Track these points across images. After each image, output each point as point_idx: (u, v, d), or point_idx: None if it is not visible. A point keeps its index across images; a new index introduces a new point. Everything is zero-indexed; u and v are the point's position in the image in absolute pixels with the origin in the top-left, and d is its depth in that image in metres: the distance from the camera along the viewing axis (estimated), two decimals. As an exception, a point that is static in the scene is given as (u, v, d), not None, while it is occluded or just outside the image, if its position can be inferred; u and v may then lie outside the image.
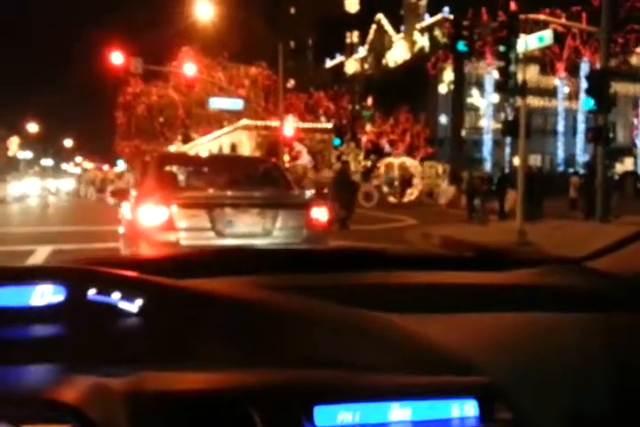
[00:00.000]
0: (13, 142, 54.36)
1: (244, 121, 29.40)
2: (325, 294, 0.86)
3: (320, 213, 4.62)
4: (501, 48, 9.45)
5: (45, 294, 0.77)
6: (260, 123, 29.33)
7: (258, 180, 5.61)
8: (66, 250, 7.72)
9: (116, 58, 21.58)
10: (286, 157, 24.05)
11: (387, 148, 29.81)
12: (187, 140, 39.40)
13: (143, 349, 0.73)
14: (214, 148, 32.53)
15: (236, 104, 26.86)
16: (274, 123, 26.91)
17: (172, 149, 39.11)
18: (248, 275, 0.99)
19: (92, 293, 0.77)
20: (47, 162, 72.62)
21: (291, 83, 33.55)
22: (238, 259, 1.18)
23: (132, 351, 0.72)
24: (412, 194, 21.49)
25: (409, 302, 0.87)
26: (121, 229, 5.66)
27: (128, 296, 0.78)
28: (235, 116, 32.05)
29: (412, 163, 23.39)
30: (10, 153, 54.41)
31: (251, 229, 4.34)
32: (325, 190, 16.03)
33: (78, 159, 77.17)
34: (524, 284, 1.02)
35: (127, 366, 0.66)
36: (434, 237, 9.29)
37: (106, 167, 49.27)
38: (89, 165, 60.57)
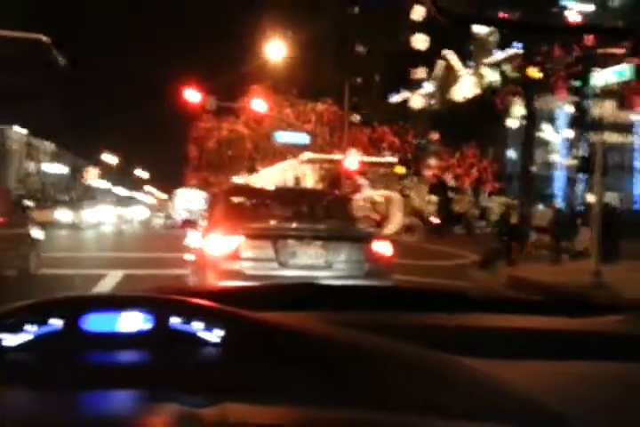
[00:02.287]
0: (91, 172, 58.75)
1: (308, 154, 30.15)
2: (401, 334, 0.85)
3: (383, 248, 4.68)
4: (577, 83, 9.23)
5: (134, 322, 0.80)
6: (323, 156, 29.94)
7: (322, 212, 5.77)
8: (136, 275, 8.04)
9: (193, 95, 23.04)
10: (348, 191, 24.20)
11: (451, 182, 29.42)
12: (252, 172, 40.83)
13: (223, 379, 0.74)
14: (278, 180, 33.43)
15: (303, 139, 27.76)
16: (337, 156, 27.33)
17: (237, 180, 40.56)
18: (322, 311, 1.01)
19: (176, 322, 0.79)
20: (121, 191, 77.50)
21: (356, 118, 34.25)
22: (312, 294, 1.19)
23: (212, 381, 0.73)
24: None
25: (491, 347, 0.85)
26: (187, 257, 5.91)
27: (209, 326, 0.79)
28: (300, 149, 33.02)
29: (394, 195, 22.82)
30: (88, 182, 58.71)
31: (313, 261, 4.43)
32: None
33: (151, 189, 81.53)
34: (603, 331, 1.00)
35: (209, 396, 0.67)
36: (501, 276, 8.99)
37: None
38: (161, 195, 63.85)
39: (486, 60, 32.75)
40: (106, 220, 29.60)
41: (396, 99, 40.37)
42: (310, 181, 29.13)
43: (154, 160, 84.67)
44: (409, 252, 13.47)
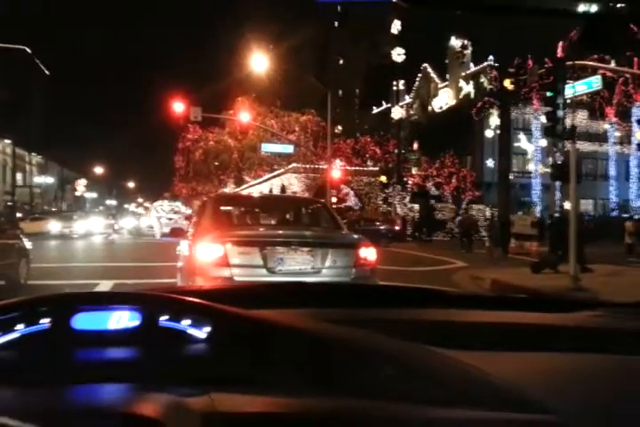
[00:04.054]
0: (81, 183, 58.02)
1: (294, 164, 30.20)
2: (385, 328, 0.86)
3: (368, 253, 4.64)
4: (548, 94, 9.34)
5: (122, 319, 0.80)
6: (308, 166, 30.02)
7: (308, 219, 5.72)
8: (127, 285, 7.97)
9: (178, 107, 22.84)
10: (334, 199, 24.29)
11: (433, 190, 29.63)
12: (239, 182, 40.68)
13: (210, 373, 0.74)
14: (265, 189, 33.41)
15: (287, 149, 27.78)
16: (322, 166, 27.68)
17: (226, 190, 40.38)
18: (308, 308, 1.01)
19: (163, 318, 0.79)
20: (111, 202, 76.58)
21: (338, 128, 34.39)
22: (298, 292, 1.20)
23: (199, 375, 0.73)
24: None
25: (469, 340, 0.86)
26: (178, 265, 5.81)
27: (197, 323, 0.80)
28: (285, 159, 33.05)
29: None
30: (77, 193, 57.94)
31: (301, 267, 4.39)
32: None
33: (140, 200, 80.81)
34: (584, 325, 1.01)
35: (197, 388, 0.67)
36: (484, 281, 8.98)
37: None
38: (148, 205, 63.20)
39: (462, 73, 33.15)
40: (96, 230, 29.14)
41: (376, 110, 40.69)
42: (297, 190, 29.24)
43: (142, 171, 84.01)
44: (395, 258, 13.45)
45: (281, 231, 4.79)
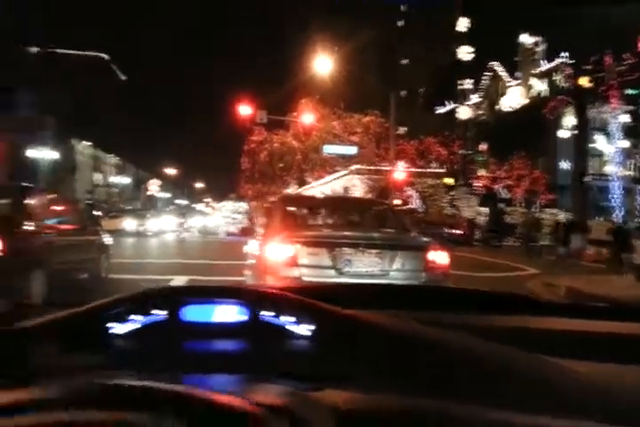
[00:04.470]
0: (154, 183, 60.89)
1: (356, 166, 30.05)
2: (479, 334, 0.85)
3: (439, 257, 4.50)
4: (631, 91, 8.54)
5: (229, 313, 0.82)
6: (371, 167, 29.78)
7: (375, 221, 5.65)
8: (199, 281, 8.15)
9: (245, 110, 23.36)
10: (397, 201, 23.97)
11: (502, 193, 28.43)
12: (302, 183, 41.06)
13: (313, 369, 0.75)
14: (327, 191, 33.49)
15: (350, 150, 27.71)
16: (385, 168, 27.40)
17: (288, 191, 40.91)
18: (397, 310, 1.01)
19: (268, 314, 0.81)
20: (181, 201, 79.90)
21: (402, 129, 33.88)
22: (385, 294, 1.20)
23: (302, 370, 0.75)
24: None
25: (556, 348, 0.84)
26: (247, 263, 5.91)
27: (302, 320, 0.81)
28: (348, 161, 32.98)
29: None
30: (150, 193, 60.85)
31: (369, 269, 4.35)
32: None
33: (207, 200, 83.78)
34: None
35: (300, 382, 0.69)
36: (558, 288, 8.48)
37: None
38: (215, 205, 65.39)
39: (534, 71, 31.61)
40: (167, 228, 30.29)
41: (441, 110, 39.65)
42: (359, 191, 29.14)
43: (210, 172, 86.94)
44: (461, 263, 12.96)
45: (349, 233, 4.76)
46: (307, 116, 28.57)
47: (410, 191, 28.65)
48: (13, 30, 29.71)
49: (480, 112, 35.41)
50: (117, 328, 0.81)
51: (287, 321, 0.81)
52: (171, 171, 71.39)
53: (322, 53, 23.53)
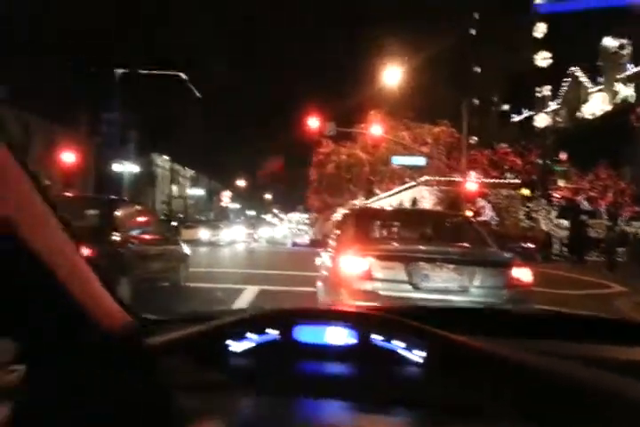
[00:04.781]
0: (225, 195, 63.26)
1: (426, 177, 29.50)
2: (605, 366, 0.80)
3: (522, 274, 4.29)
4: None
5: (338, 335, 0.83)
6: (441, 178, 29.13)
7: (452, 235, 5.51)
8: (270, 291, 8.32)
9: (313, 123, 23.72)
10: (468, 213, 23.22)
11: (584, 205, 26.73)
12: (369, 194, 40.93)
13: (423, 397, 0.73)
14: (395, 202, 33.13)
15: (419, 161, 27.26)
16: (456, 178, 26.69)
17: (355, 202, 40.92)
18: (506, 337, 0.98)
19: (378, 338, 0.81)
20: (250, 212, 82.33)
21: (474, 139, 32.91)
22: (506, 321, 1.17)
23: (412, 399, 0.72)
24: None
25: None
26: (319, 276, 5.91)
27: (412, 346, 0.80)
28: (416, 172, 32.47)
29: None
30: (222, 204, 63.25)
31: (447, 284, 4.22)
32: None
33: (275, 211, 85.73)
34: None
35: (415, 413, 0.67)
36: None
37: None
38: (283, 216, 66.74)
39: (619, 75, 29.70)
40: (238, 238, 31.25)
41: (517, 119, 38.14)
42: (428, 203, 28.56)
43: (279, 184, 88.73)
44: (541, 279, 12.22)
45: (425, 247, 4.65)
46: (375, 128, 28.47)
47: (482, 203, 27.65)
48: (100, 52, 32.27)
49: (559, 119, 33.69)
50: (235, 346, 0.85)
51: (398, 346, 0.80)
52: (241, 182, 73.84)
53: (391, 64, 23.46)
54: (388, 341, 0.81)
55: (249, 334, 0.85)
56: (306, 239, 27.93)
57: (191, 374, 0.79)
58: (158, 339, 0.84)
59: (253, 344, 0.84)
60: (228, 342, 0.85)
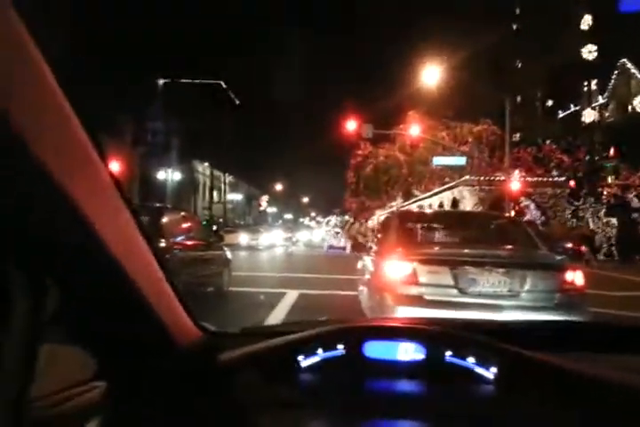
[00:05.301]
0: (264, 199, 64.23)
1: (466, 177, 28.96)
2: None
3: (575, 277, 4.19)
4: None
5: (410, 352, 0.84)
6: (483, 178, 28.53)
7: (500, 237, 5.39)
8: (310, 295, 8.39)
9: (351, 125, 23.69)
10: (512, 213, 22.60)
11: (635, 202, 25.52)
12: (407, 196, 40.46)
13: (498, 414, 0.72)
14: (435, 203, 32.62)
15: (459, 160, 26.82)
16: (499, 178, 26.00)
17: (393, 204, 40.54)
18: (579, 351, 0.94)
19: (448, 354, 0.81)
20: (288, 216, 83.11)
21: (517, 136, 32.03)
22: (579, 334, 1.13)
23: (486, 415, 0.71)
24: None
25: None
26: (361, 280, 5.94)
27: (483, 362, 0.78)
28: (456, 172, 31.88)
29: None
30: (261, 208, 64.23)
31: (495, 289, 4.13)
32: None
33: (312, 214, 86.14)
34: None
35: None
36: None
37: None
38: (320, 219, 67.03)
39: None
40: (277, 242, 31.63)
41: (562, 114, 36.87)
42: (469, 203, 28.00)
43: (316, 187, 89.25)
44: (592, 280, 11.72)
45: (472, 250, 4.58)
46: (413, 128, 28.19)
47: (526, 202, 26.84)
48: (142, 62, 33.42)
49: (607, 114, 32.35)
50: (305, 362, 0.85)
51: (468, 362, 0.79)
52: (279, 186, 74.63)
53: (430, 63, 23.20)
54: (459, 357, 0.80)
55: (319, 351, 0.85)
56: (342, 242, 27.95)
57: (262, 391, 0.79)
58: (229, 354, 0.85)
59: (323, 360, 0.85)
60: (299, 357, 0.85)
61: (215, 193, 54.55)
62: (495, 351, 0.80)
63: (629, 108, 30.74)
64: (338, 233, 29.84)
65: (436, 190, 33.54)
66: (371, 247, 5.85)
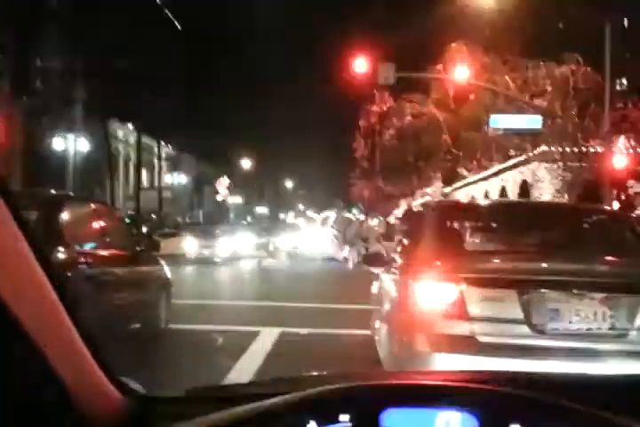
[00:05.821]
0: (223, 184, 63.50)
1: (543, 148, 29.25)
2: None
3: None
4: None
5: (451, 425, 0.88)
6: (569, 149, 28.88)
7: (600, 244, 5.57)
8: (297, 335, 8.64)
9: (360, 66, 23.46)
10: (615, 203, 22.91)
11: None
12: (450, 178, 40.59)
13: None
14: (494, 189, 32.82)
15: (533, 122, 27.03)
16: (593, 149, 26.55)
17: (428, 191, 40.70)
18: None
19: (509, 425, 0.86)
20: (261, 209, 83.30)
21: (623, 83, 32.23)
22: None
23: None
24: None
25: None
26: (377, 312, 6.27)
27: None
28: (527, 140, 32.09)
29: None
30: (219, 198, 63.79)
31: (590, 325, 4.30)
32: None
33: (300, 207, 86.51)
34: None
35: None
36: None
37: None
38: (313, 214, 67.15)
39: None
40: (244, 252, 31.84)
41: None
42: (548, 188, 28.52)
43: (304, 167, 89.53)
44: None
45: (553, 264, 4.81)
46: (459, 70, 28.23)
47: (638, 188, 27.22)
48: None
49: None
50: None
51: None
52: (246, 163, 74.59)
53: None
54: None
55: (311, 424, 0.87)
56: (345, 251, 28.23)
57: None
58: (211, 418, 0.90)
59: None
60: None
61: (145, 173, 54.47)
62: (572, 417, 0.85)
63: None
64: (335, 237, 30.51)
65: (496, 169, 33.80)
66: (393, 259, 6.06)
